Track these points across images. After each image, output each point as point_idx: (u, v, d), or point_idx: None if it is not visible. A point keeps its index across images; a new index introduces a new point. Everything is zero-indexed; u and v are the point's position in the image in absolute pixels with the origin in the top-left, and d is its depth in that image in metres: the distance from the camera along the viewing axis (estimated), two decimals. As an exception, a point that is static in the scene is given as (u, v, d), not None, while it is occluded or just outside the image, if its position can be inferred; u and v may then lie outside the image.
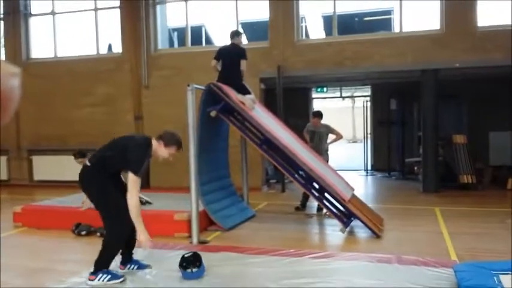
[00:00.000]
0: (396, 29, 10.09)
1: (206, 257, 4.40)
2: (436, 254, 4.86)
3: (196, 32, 12.60)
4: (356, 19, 12.56)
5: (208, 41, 13.53)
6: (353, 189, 6.71)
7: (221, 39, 13.29)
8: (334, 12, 10.01)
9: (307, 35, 12.09)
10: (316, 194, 6.35)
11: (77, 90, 11.17)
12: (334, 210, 6.25)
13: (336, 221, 6.21)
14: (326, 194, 6.34)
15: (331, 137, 7.49)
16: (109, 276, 3.87)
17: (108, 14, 11.23)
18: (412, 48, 9.31)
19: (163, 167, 10.30)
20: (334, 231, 6.15)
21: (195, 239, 5.41)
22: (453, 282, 3.69)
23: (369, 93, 13.86)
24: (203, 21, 13.20)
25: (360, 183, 11.13)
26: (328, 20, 11.42)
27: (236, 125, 6.47)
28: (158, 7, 10.94)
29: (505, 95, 10.44)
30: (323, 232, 6.53)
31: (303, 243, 5.52)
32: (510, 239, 5.46)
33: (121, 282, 3.86)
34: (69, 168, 10.40)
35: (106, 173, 3.88)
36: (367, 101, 13.67)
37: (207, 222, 6.16)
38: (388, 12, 11.95)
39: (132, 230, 3.96)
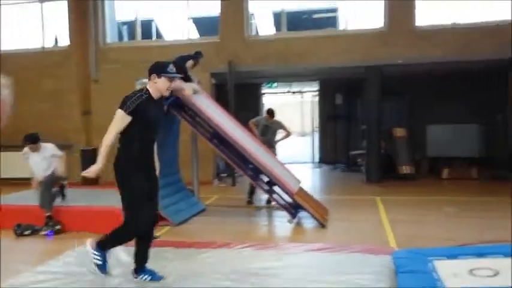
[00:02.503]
0: (342, 26, 10.45)
1: (156, 253, 4.44)
2: (377, 242, 5.16)
3: (147, 26, 12.43)
4: (304, 16, 12.83)
5: (159, 36, 13.38)
6: (300, 182, 6.96)
7: (171, 34, 13.19)
8: (283, 9, 10.24)
9: (257, 32, 12.25)
10: (265, 187, 6.54)
11: (22, 84, 10.73)
12: (283, 202, 6.47)
13: (284, 213, 6.43)
14: (275, 187, 6.54)
15: (281, 132, 7.79)
16: (150, 276, 3.78)
17: (54, 6, 10.87)
18: (357, 46, 9.69)
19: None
20: (282, 222, 6.37)
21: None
22: (391, 269, 3.88)
23: (316, 88, 14.26)
24: (153, 15, 13.03)
25: (308, 175, 11.47)
26: (277, 17, 11.63)
27: (187, 119, 6.52)
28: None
29: (442, 90, 11.10)
30: (272, 224, 6.75)
31: (252, 236, 5.69)
32: (448, 226, 5.90)
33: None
34: (13, 165, 10.06)
35: (132, 158, 3.59)
36: (314, 96, 14.05)
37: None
38: (334, 10, 12.32)
39: (149, 233, 3.80)
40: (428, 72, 10.73)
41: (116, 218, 5.76)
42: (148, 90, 3.64)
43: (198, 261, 4.34)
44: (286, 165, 7.34)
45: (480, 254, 3.91)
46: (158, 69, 3.64)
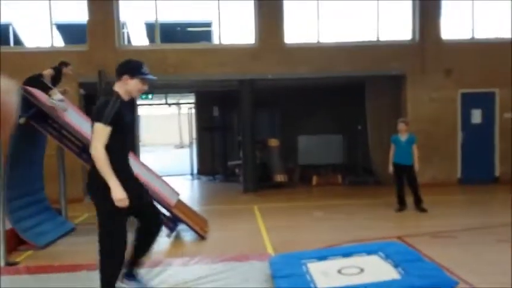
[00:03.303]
0: (216, 40, 10.64)
1: (15, 281, 4.00)
2: (255, 249, 5.30)
3: (3, 30, 11.22)
4: (178, 28, 12.80)
5: (18, 42, 12.17)
6: (178, 194, 6.85)
7: (32, 40, 12.13)
8: (156, 20, 10.07)
9: (129, 41, 11.85)
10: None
11: None
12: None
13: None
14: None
15: None
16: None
17: None
18: (231, 60, 9.93)
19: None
20: (160, 237, 6.14)
21: (1, 261, 4.83)
22: (268, 274, 4.05)
23: (193, 100, 14.28)
24: (11, 19, 11.81)
25: (186, 187, 11.38)
26: (150, 28, 11.41)
27: (52, 133, 5.99)
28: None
29: (310, 103, 11.94)
30: (149, 239, 6.50)
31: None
32: (318, 229, 6.29)
33: None
34: None
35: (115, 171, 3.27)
36: (191, 108, 14.05)
37: (17, 242, 5.55)
38: (208, 24, 12.51)
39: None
40: (297, 87, 11.45)
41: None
42: (117, 93, 3.35)
43: (66, 286, 3.99)
44: (164, 178, 7.17)
45: (347, 254, 4.25)
46: (132, 69, 3.39)
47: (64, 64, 6.71)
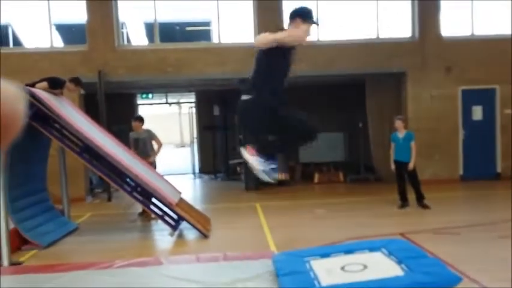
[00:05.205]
0: (216, 39, 10.62)
1: (19, 280, 3.99)
2: (257, 247, 5.29)
3: (3, 31, 11.21)
4: (177, 28, 12.79)
5: (17, 42, 12.16)
6: (180, 193, 6.85)
7: (32, 41, 12.12)
8: (155, 20, 10.07)
9: (129, 41, 11.84)
10: (140, 199, 6.28)
11: None
12: (162, 214, 6.29)
13: (165, 226, 6.25)
14: (154, 200, 6.34)
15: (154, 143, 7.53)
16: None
17: None
18: (231, 58, 9.92)
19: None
20: (163, 235, 6.19)
21: (5, 261, 4.84)
22: (272, 272, 4.04)
23: (193, 99, 14.26)
24: (10, 20, 11.78)
25: (188, 186, 11.39)
26: (149, 27, 11.40)
27: (52, 133, 5.99)
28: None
29: (311, 101, 11.91)
30: (151, 238, 6.52)
31: (131, 252, 5.41)
32: (320, 227, 6.28)
33: None
34: None
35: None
36: (192, 107, 14.05)
37: (20, 242, 5.56)
38: (207, 23, 12.50)
39: None
40: (298, 85, 11.42)
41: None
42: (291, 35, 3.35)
43: (70, 285, 3.98)
44: (165, 177, 7.17)
45: (350, 251, 4.24)
46: (305, 13, 3.39)
47: (77, 82, 6.52)
